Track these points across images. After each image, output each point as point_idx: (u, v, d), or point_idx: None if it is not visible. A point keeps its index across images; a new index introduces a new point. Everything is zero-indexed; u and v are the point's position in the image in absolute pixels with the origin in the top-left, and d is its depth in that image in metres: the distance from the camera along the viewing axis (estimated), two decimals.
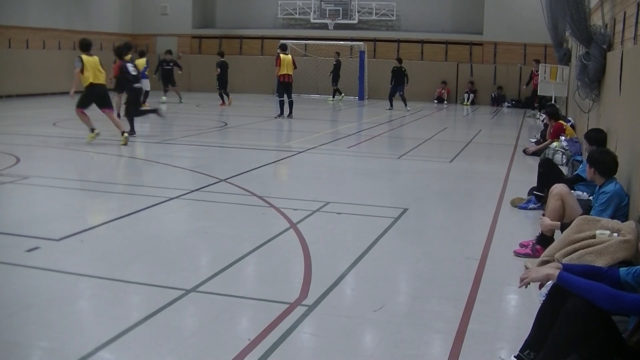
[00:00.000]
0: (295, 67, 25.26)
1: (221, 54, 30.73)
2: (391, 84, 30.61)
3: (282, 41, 27.76)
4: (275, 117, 24.88)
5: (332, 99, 34.92)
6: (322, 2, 38.07)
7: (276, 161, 15.07)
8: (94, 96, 17.02)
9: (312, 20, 38.35)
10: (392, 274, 7.74)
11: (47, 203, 10.99)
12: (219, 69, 29.72)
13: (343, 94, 35.40)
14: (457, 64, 35.84)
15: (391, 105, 30.05)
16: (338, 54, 35.54)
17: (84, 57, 16.90)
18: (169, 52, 31.50)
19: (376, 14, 37.61)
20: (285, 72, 24.68)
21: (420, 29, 37.14)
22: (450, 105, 34.61)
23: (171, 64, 30.26)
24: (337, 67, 35.13)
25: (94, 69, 16.94)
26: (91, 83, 16.88)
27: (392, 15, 37.49)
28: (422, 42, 36.65)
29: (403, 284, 7.52)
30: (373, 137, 20.22)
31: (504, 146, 18.68)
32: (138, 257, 8.06)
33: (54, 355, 5.39)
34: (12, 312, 6.21)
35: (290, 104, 24.91)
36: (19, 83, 31.74)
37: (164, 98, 29.69)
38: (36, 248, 8.15)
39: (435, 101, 35.16)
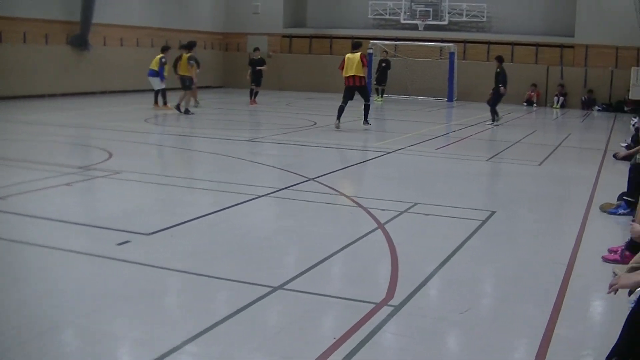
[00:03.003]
0: (364, 65, 20.90)
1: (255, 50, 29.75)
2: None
3: (355, 40, 24.10)
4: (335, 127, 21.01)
5: (380, 98, 34.03)
6: (413, 3, 37.93)
7: (364, 161, 15.12)
8: None
9: (402, 21, 38.20)
10: (478, 276, 7.73)
11: (138, 198, 11.24)
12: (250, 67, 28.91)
13: (383, 99, 34.11)
14: (548, 67, 35.31)
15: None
16: (386, 52, 34.94)
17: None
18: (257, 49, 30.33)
19: (466, 15, 37.32)
20: (349, 74, 20.86)
21: (510, 30, 36.70)
22: (539, 108, 34.14)
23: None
24: (384, 66, 34.33)
25: None
26: None
27: (483, 16, 37.14)
28: (513, 44, 36.20)
29: (489, 287, 7.52)
30: (462, 139, 20.11)
31: (594, 150, 18.40)
32: (226, 254, 8.19)
33: (143, 347, 5.54)
34: (103, 304, 6.40)
35: (366, 108, 21.42)
36: (114, 80, 32.39)
37: None
38: (127, 242, 8.35)
39: (525, 104, 34.73)
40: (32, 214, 9.62)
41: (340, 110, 20.89)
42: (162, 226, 9.07)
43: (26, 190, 11.15)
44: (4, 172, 12.90)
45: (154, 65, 25.29)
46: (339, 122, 20.78)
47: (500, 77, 24.13)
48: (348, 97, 21.10)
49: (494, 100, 24.41)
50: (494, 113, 24.41)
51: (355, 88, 21.03)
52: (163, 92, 25.43)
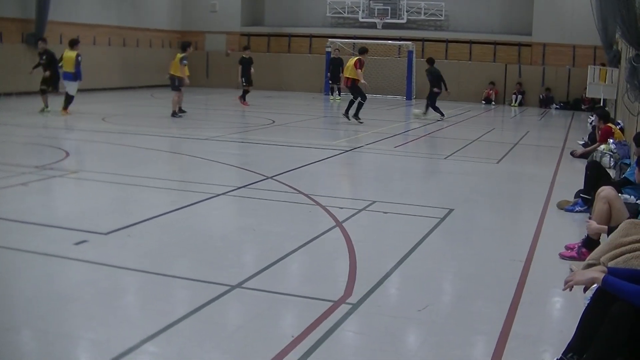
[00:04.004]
0: (357, 68, 22.54)
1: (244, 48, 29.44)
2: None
3: (362, 46, 26.72)
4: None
5: (338, 97, 33.50)
6: (371, 1, 37.99)
7: (323, 159, 15.09)
8: None
9: (360, 19, 38.29)
10: (436, 274, 7.75)
11: (95, 197, 11.15)
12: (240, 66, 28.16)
13: (340, 98, 33.47)
14: (506, 65, 35.58)
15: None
16: (338, 50, 34.25)
17: None
18: (247, 48, 29.54)
19: (425, 13, 37.46)
20: (345, 76, 23.26)
21: (469, 29, 36.93)
22: (498, 106, 34.36)
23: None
24: (334, 63, 33.24)
25: None
26: None
27: (441, 15, 37.31)
28: (471, 42, 36.44)
29: (447, 285, 7.53)
30: (420, 137, 20.20)
31: (552, 148, 18.55)
32: (184, 253, 8.15)
33: (100, 347, 5.49)
34: (60, 304, 6.34)
35: (359, 105, 22.96)
36: None
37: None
38: (84, 241, 8.28)
39: (483, 102, 34.93)
40: None
41: (350, 103, 23.11)
42: (119, 225, 9.00)
43: None
44: None
45: (175, 70, 23.18)
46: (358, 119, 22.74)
47: (430, 78, 25.26)
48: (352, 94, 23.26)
49: (432, 100, 25.51)
50: (437, 110, 25.34)
51: (347, 87, 23.36)
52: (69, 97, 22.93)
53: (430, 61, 25.41)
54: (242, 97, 28.13)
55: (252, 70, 27.88)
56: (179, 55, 23.20)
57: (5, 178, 11.97)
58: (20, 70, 28.95)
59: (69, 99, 21.86)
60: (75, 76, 21.81)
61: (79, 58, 21.80)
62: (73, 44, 22.21)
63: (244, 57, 27.93)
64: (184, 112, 23.06)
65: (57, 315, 6.11)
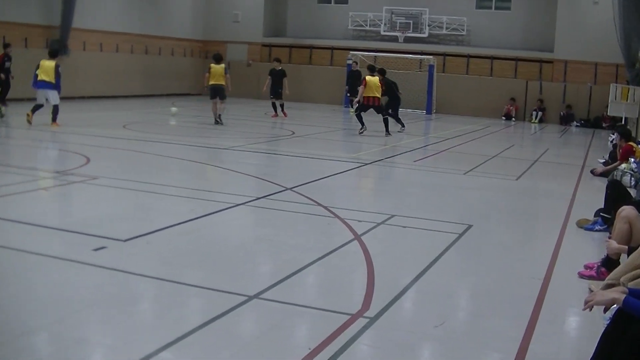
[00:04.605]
0: (382, 88, 23.66)
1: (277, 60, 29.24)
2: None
3: (372, 65, 25.98)
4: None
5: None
6: (393, 15, 38.00)
7: (342, 172, 15.08)
8: None
9: (382, 33, 38.31)
10: (454, 290, 7.73)
11: (116, 204, 11.18)
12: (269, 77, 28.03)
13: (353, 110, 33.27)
14: (527, 82, 35.46)
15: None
16: (356, 63, 33.48)
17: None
18: (278, 60, 29.37)
19: (447, 28, 37.46)
20: (369, 95, 23.20)
21: (490, 44, 36.86)
22: (518, 122, 34.24)
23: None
24: (352, 76, 32.19)
25: None
26: None
27: (463, 30, 37.28)
28: (492, 58, 36.38)
29: (465, 301, 7.52)
30: (439, 152, 20.16)
31: (572, 166, 18.48)
32: (202, 262, 8.16)
33: (117, 353, 5.51)
34: (78, 309, 6.37)
35: (385, 121, 23.43)
36: (93, 85, 32.30)
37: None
38: (103, 247, 8.31)
39: (504, 118, 34.84)
40: (8, 217, 9.54)
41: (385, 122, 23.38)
42: (138, 233, 9.04)
43: (2, 194, 11.08)
44: None
45: (219, 79, 23.63)
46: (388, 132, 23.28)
47: (385, 88, 24.73)
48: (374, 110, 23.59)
49: (394, 111, 25.38)
50: (399, 122, 25.19)
51: (373, 106, 23.34)
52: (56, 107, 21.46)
53: (382, 72, 24.94)
54: (275, 109, 28.18)
55: (285, 83, 27.75)
56: (222, 66, 23.50)
57: (26, 182, 12.06)
58: None
59: (56, 110, 20.72)
60: (55, 86, 20.69)
61: (59, 69, 20.95)
62: (53, 54, 21.40)
63: (274, 69, 27.81)
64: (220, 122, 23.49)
65: (74, 320, 6.13)
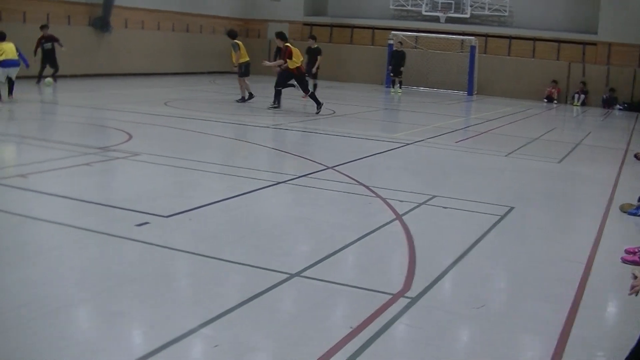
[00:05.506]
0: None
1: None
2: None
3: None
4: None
5: (399, 90, 32.84)
6: None
7: (383, 152, 15.06)
8: None
9: (423, 13, 38.11)
10: (495, 272, 7.71)
11: (157, 180, 11.28)
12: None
13: (401, 90, 32.99)
14: (569, 64, 35.09)
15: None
16: (400, 43, 33.75)
17: None
18: (314, 37, 28.27)
19: (488, 9, 37.15)
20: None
21: (532, 26, 36.50)
22: (559, 105, 33.94)
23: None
24: (395, 56, 32.93)
25: None
26: None
27: (505, 10, 36.95)
28: (534, 39, 36.04)
29: (505, 284, 7.48)
30: (480, 133, 20.06)
31: (615, 150, 18.30)
32: (243, 239, 8.21)
33: (157, 328, 5.56)
34: (119, 283, 6.46)
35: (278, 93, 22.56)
36: (134, 62, 32.52)
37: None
38: (146, 223, 8.41)
39: (545, 100, 34.56)
40: (52, 192, 9.69)
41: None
42: (180, 209, 9.12)
43: (46, 169, 11.24)
44: (24, 151, 13.02)
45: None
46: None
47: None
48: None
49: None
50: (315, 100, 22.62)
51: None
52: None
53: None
54: (313, 89, 26.16)
55: (319, 60, 26.66)
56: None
57: (70, 158, 12.18)
58: (86, 53, 29.43)
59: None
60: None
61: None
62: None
63: (310, 47, 27.08)
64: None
65: (116, 293, 6.23)
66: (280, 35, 22.69)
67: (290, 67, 22.02)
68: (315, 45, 27.07)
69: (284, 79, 22.37)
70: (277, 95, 22.58)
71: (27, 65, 20.80)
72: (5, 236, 7.79)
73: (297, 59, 22.09)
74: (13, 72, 19.98)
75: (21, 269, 6.72)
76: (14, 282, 6.36)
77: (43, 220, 8.41)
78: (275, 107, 22.38)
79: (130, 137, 14.63)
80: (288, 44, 22.22)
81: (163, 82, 30.08)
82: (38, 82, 24.73)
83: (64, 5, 29.12)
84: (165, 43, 34.64)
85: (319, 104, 21.81)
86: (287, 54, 21.87)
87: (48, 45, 25.00)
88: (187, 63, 35.96)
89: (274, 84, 22.68)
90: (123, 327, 5.61)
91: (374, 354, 5.31)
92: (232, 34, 23.84)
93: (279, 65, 22.27)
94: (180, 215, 8.90)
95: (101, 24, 30.53)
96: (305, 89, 22.44)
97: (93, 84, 27.30)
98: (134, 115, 18.38)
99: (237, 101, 23.42)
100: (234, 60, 23.56)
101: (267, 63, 23.67)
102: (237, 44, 23.36)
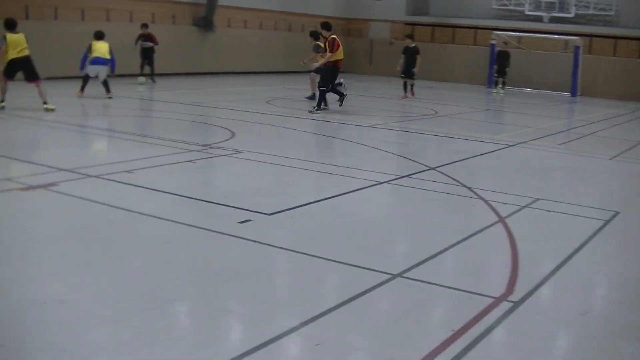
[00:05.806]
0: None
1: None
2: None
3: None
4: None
5: (502, 90, 32.52)
6: None
7: (486, 153, 14.94)
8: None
9: (526, 12, 37.64)
10: (599, 278, 7.60)
11: (260, 178, 11.42)
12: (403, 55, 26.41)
13: (504, 91, 32.63)
14: None
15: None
16: (505, 43, 33.34)
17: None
18: (411, 36, 27.94)
19: (594, 8, 36.45)
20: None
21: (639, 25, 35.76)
22: None
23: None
24: (501, 56, 32.60)
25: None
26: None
27: (611, 10, 36.19)
28: None
29: (610, 290, 7.34)
30: (584, 135, 19.72)
31: None
32: (345, 238, 8.26)
33: (259, 325, 5.64)
34: (222, 280, 6.58)
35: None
36: (237, 61, 32.98)
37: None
38: (248, 220, 8.52)
39: None
40: (157, 188, 9.92)
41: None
42: (282, 207, 9.23)
43: (152, 165, 11.51)
44: (130, 147, 13.30)
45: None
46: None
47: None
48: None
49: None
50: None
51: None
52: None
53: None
54: (405, 89, 26.94)
55: (418, 60, 26.14)
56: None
57: (174, 154, 12.43)
58: (189, 52, 29.95)
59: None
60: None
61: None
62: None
63: (407, 47, 26.56)
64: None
65: (220, 289, 6.34)
66: (326, 26, 20.94)
67: (335, 58, 20.31)
68: (413, 45, 26.55)
69: (330, 77, 20.52)
70: (322, 96, 20.63)
71: (113, 71, 20.48)
72: (116, 230, 8.05)
73: (341, 52, 20.57)
74: (102, 71, 20.17)
75: (133, 262, 6.94)
76: (128, 273, 6.60)
77: (148, 215, 8.60)
78: (323, 109, 20.53)
79: (233, 134, 14.84)
80: (334, 35, 20.71)
81: (265, 81, 30.39)
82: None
83: (169, 5, 29.70)
84: (267, 42, 35.01)
85: (341, 96, 20.77)
86: (335, 46, 20.23)
87: (147, 44, 25.52)
88: (288, 62, 36.21)
89: (316, 85, 21.51)
90: (227, 324, 5.73)
91: (476, 359, 5.29)
92: (314, 35, 23.12)
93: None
94: (282, 213, 9.00)
95: (204, 23, 31.04)
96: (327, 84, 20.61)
97: (196, 82, 27.78)
98: (237, 113, 18.63)
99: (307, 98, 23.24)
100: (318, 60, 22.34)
101: (316, 64, 21.98)
102: (319, 45, 22.37)
